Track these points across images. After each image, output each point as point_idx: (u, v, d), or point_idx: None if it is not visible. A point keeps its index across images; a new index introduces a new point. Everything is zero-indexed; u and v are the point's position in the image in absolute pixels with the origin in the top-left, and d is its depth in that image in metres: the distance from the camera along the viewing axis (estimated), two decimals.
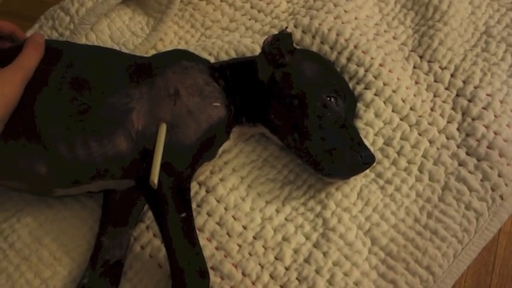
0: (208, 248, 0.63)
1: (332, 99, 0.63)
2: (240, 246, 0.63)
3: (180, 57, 0.67)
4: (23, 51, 0.60)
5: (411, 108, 0.69)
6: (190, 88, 0.62)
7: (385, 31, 0.76)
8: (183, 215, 0.57)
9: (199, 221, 0.65)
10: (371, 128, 0.69)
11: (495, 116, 0.67)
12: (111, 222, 0.64)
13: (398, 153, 0.67)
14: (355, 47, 0.72)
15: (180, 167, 0.59)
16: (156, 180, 0.56)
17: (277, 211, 0.65)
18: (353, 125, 0.66)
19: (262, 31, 0.79)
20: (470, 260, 0.61)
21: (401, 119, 0.69)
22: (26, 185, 0.63)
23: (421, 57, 0.73)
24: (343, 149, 0.61)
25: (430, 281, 0.59)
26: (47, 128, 0.59)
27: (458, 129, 0.68)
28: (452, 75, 0.71)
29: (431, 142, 0.67)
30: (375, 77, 0.70)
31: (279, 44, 0.64)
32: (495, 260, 0.63)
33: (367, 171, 0.66)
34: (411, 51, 0.74)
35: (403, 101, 0.70)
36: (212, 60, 0.75)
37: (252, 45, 0.75)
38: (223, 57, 0.75)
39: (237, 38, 0.78)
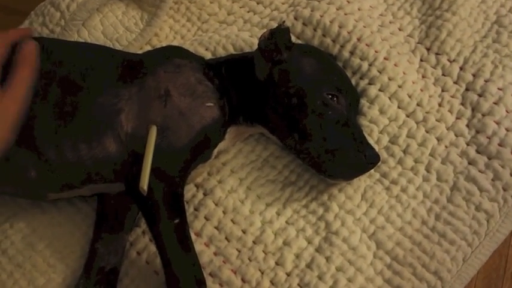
0: (206, 254, 0.61)
1: (333, 97, 0.60)
2: (239, 251, 0.61)
3: (172, 55, 0.64)
4: (15, 74, 0.51)
5: (418, 104, 0.66)
6: (181, 88, 0.60)
7: (390, 22, 0.73)
8: (177, 221, 0.55)
9: (196, 225, 0.62)
10: (375, 126, 0.65)
11: (507, 112, 0.63)
12: (106, 227, 0.62)
13: (405, 151, 0.64)
14: (359, 39, 0.69)
15: (171, 171, 0.56)
16: (145, 186, 0.54)
17: (278, 214, 0.63)
18: (356, 123, 0.63)
19: (261, 24, 0.75)
20: (480, 264, 0.58)
21: (407, 116, 0.66)
22: (17, 190, 0.61)
23: (428, 49, 0.70)
24: (346, 149, 0.58)
25: (438, 286, 0.57)
26: (34, 131, 0.57)
27: (467, 125, 0.64)
28: (461, 68, 0.67)
29: (439, 140, 0.64)
30: (380, 72, 0.67)
31: (276, 40, 0.60)
32: (506, 264, 0.60)
33: (372, 171, 0.62)
34: (418, 43, 0.71)
35: (410, 97, 0.66)
36: (209, 55, 0.72)
37: (250, 39, 0.72)
38: (221, 52, 0.72)
39: (235, 31, 0.75)
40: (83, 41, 0.75)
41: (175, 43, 0.76)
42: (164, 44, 0.75)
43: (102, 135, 0.57)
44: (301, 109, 0.59)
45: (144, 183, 0.54)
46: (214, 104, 0.60)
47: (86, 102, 0.58)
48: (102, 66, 0.61)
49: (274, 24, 0.74)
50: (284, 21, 0.63)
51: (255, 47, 0.70)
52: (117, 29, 0.77)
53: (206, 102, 0.60)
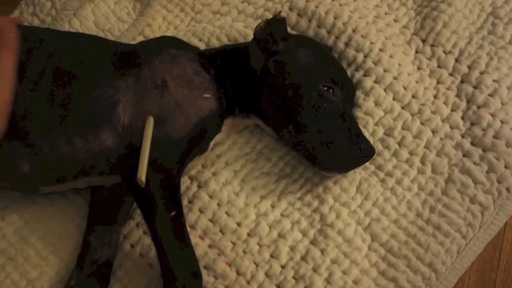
0: (200, 247, 0.60)
1: (329, 89, 0.59)
2: (234, 244, 0.60)
3: (167, 45, 0.63)
4: None
5: (413, 96, 0.66)
6: (178, 78, 0.59)
7: (385, 13, 0.72)
8: (173, 213, 0.54)
9: (191, 218, 0.62)
10: (371, 118, 0.65)
11: (502, 104, 0.63)
12: (99, 220, 0.62)
13: (400, 144, 0.64)
14: (354, 31, 0.68)
15: (168, 163, 0.56)
16: (143, 178, 0.53)
17: (273, 206, 0.62)
18: (351, 116, 0.62)
19: (255, 14, 0.75)
20: (474, 256, 0.58)
21: (402, 108, 0.65)
22: (9, 184, 0.60)
23: (423, 41, 0.69)
24: (341, 142, 0.58)
25: (433, 278, 0.57)
26: (27, 125, 0.56)
27: (462, 117, 0.64)
28: (456, 60, 0.67)
29: (434, 132, 0.64)
30: (375, 63, 0.67)
31: (272, 30, 0.60)
32: (500, 255, 0.60)
33: (367, 163, 0.62)
34: (413, 34, 0.70)
35: (405, 89, 0.66)
36: (203, 46, 0.71)
37: (244, 30, 0.71)
38: (215, 43, 0.71)
39: (229, 22, 0.74)
40: (74, 31, 0.74)
41: (168, 34, 0.75)
42: (157, 35, 0.74)
43: (99, 128, 0.56)
44: (296, 101, 0.59)
45: (142, 174, 0.53)
46: (211, 95, 0.59)
47: (81, 94, 0.57)
48: (97, 57, 0.60)
49: (269, 15, 0.73)
50: (280, 12, 0.62)
51: (250, 37, 0.69)
52: (109, 19, 0.76)
53: (203, 94, 0.59)
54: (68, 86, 0.57)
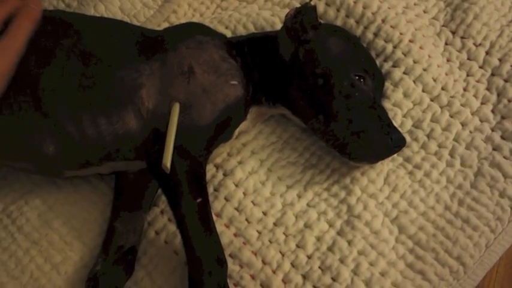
0: (226, 235, 0.60)
1: (360, 78, 0.59)
2: (259, 233, 0.60)
3: (194, 31, 0.62)
4: (14, 21, 0.53)
5: (443, 88, 0.65)
6: (205, 65, 0.58)
7: (415, 4, 0.71)
8: (199, 200, 0.54)
9: (216, 206, 0.61)
10: (399, 109, 0.64)
11: None
12: (124, 206, 0.62)
13: (428, 136, 0.63)
14: (383, 21, 0.67)
15: (194, 150, 0.55)
16: (168, 164, 0.53)
17: (299, 196, 0.62)
18: (381, 106, 0.61)
19: (282, 3, 0.74)
20: (503, 250, 0.57)
21: (431, 100, 0.65)
22: (33, 166, 0.60)
23: (453, 32, 0.68)
24: (372, 132, 0.57)
25: (461, 272, 0.56)
26: (53, 104, 0.55)
27: (493, 111, 0.63)
28: (487, 53, 0.66)
29: (463, 125, 0.63)
30: (404, 54, 0.66)
31: (302, 18, 0.59)
32: None
33: (395, 155, 0.62)
34: (443, 26, 0.69)
35: (434, 80, 0.65)
36: (229, 34, 0.70)
37: (271, 18, 0.70)
38: (241, 31, 0.70)
39: (256, 10, 0.73)
40: (99, 16, 0.73)
41: (194, 21, 0.75)
42: (183, 22, 0.74)
43: (122, 110, 0.56)
44: (327, 90, 0.58)
45: (168, 161, 0.53)
46: (238, 82, 0.59)
47: (105, 76, 0.56)
48: (122, 41, 0.60)
49: (296, 3, 0.73)
50: (310, 0, 0.61)
51: (277, 26, 0.69)
52: (134, 4, 0.75)
53: (230, 80, 0.58)
54: (93, 68, 0.57)
